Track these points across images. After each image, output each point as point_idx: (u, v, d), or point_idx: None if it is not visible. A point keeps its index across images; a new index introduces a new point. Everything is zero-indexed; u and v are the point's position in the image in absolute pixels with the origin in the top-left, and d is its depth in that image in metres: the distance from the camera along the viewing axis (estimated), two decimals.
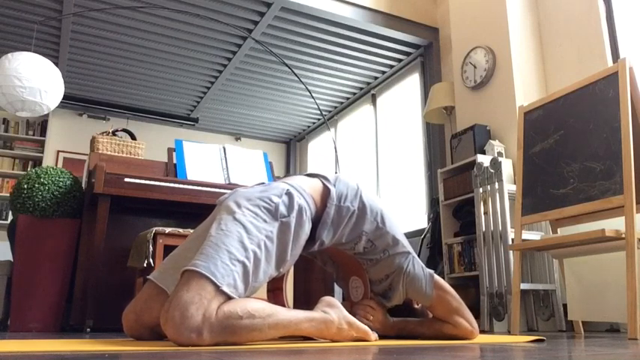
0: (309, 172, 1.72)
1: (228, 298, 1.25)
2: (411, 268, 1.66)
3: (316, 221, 1.55)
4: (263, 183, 1.58)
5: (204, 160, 3.12)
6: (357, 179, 1.72)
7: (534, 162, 2.52)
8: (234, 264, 1.28)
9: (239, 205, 1.42)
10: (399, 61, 5.12)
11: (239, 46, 4.83)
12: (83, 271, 2.82)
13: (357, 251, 1.68)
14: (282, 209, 1.44)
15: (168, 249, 2.50)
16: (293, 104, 6.19)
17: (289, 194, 1.47)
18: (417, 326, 1.75)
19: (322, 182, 1.61)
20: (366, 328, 1.47)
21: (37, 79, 3.27)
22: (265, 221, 1.40)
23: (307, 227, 1.50)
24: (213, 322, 1.20)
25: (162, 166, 3.17)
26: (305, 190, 1.54)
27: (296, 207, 1.46)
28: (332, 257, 1.84)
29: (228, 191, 2.96)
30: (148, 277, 1.52)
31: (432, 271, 1.69)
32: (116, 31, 4.60)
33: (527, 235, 2.99)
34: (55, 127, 6.18)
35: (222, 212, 1.43)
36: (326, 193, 1.58)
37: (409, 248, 1.70)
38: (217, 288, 1.23)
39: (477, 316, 3.07)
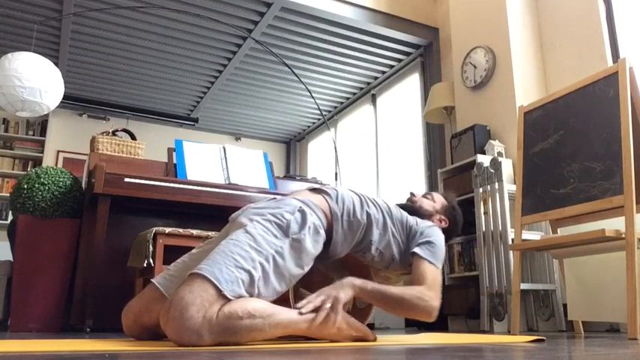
0: (311, 187, 1.72)
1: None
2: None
3: (328, 236, 1.56)
4: (275, 198, 1.59)
5: (204, 160, 3.12)
6: (356, 189, 1.73)
7: (534, 162, 2.52)
8: (239, 271, 1.29)
9: (251, 220, 1.44)
10: (399, 61, 5.12)
11: (239, 46, 4.83)
12: (83, 271, 2.82)
13: (367, 260, 1.71)
14: (294, 226, 1.44)
15: (168, 249, 2.50)
16: (293, 104, 6.19)
17: (302, 212, 1.49)
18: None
19: (327, 201, 1.60)
20: (366, 327, 1.48)
21: (37, 79, 3.27)
22: (276, 237, 1.41)
23: (321, 243, 1.52)
24: (213, 324, 1.20)
25: (162, 166, 3.17)
26: (317, 205, 1.55)
27: (309, 224, 1.47)
28: (340, 261, 1.85)
29: (229, 191, 2.96)
30: (151, 280, 1.52)
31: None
32: (116, 31, 4.60)
33: (527, 235, 2.98)
34: (55, 127, 6.17)
35: (233, 227, 1.45)
36: (333, 209, 1.59)
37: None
38: (220, 292, 1.23)
39: (476, 316, 3.08)
